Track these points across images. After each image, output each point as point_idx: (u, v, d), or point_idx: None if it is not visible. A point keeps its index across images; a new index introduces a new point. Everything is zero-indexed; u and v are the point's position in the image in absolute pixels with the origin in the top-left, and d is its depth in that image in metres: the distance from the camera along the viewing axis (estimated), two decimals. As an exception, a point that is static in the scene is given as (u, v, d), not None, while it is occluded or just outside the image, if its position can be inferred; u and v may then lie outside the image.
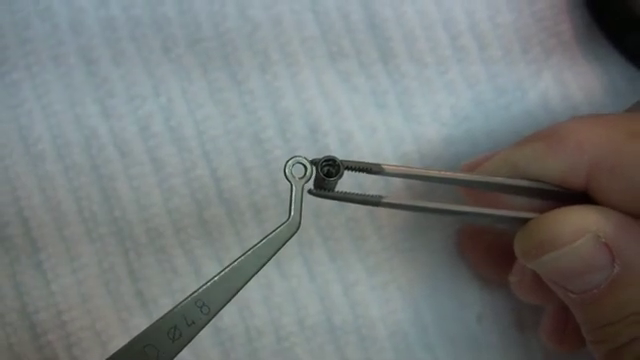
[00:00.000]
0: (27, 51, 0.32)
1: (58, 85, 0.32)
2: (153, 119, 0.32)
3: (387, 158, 0.33)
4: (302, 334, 0.32)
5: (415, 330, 0.33)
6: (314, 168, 0.24)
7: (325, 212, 0.32)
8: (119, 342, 0.23)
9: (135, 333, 0.23)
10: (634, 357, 0.25)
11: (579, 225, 0.26)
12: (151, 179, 0.32)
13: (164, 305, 0.31)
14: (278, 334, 0.32)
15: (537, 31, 0.34)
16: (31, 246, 0.31)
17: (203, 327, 0.23)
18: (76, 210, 0.32)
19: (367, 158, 0.31)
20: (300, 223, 0.24)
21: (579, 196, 0.27)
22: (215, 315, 0.23)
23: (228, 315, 0.32)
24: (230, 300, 0.23)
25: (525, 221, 0.27)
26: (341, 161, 0.25)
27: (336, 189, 0.25)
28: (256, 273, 0.24)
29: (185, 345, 0.23)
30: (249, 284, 0.29)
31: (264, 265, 0.24)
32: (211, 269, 0.31)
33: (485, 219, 0.28)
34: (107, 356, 0.22)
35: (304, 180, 0.24)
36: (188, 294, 0.23)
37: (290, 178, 0.24)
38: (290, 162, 0.24)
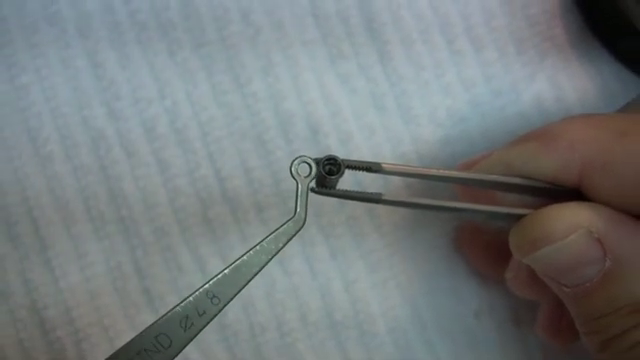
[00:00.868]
0: (35, 54, 0.32)
1: (66, 88, 0.33)
2: (158, 121, 0.33)
3: (386, 158, 0.33)
4: (304, 330, 0.33)
5: (414, 326, 0.34)
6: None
7: (326, 211, 0.33)
8: (126, 338, 0.23)
9: (142, 329, 0.23)
10: (626, 347, 0.26)
11: (572, 221, 0.26)
12: (157, 179, 0.32)
13: (170, 302, 0.31)
14: (281, 330, 0.33)
15: (531, 35, 0.35)
16: (40, 244, 0.32)
17: (214, 317, 0.23)
18: (84, 209, 0.32)
19: (366, 158, 0.31)
20: (305, 220, 0.25)
21: (572, 193, 0.27)
22: (225, 306, 0.24)
23: (232, 311, 0.32)
24: (239, 292, 0.24)
25: (519, 217, 0.27)
26: (342, 160, 0.25)
27: (337, 187, 0.26)
28: (263, 267, 0.24)
29: (196, 334, 0.23)
30: (253, 280, 0.30)
31: (271, 259, 0.24)
32: (215, 266, 0.32)
33: (481, 215, 0.29)
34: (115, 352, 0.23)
35: (309, 179, 0.25)
36: (196, 289, 0.24)
37: (296, 177, 0.25)
38: (296, 161, 0.25)
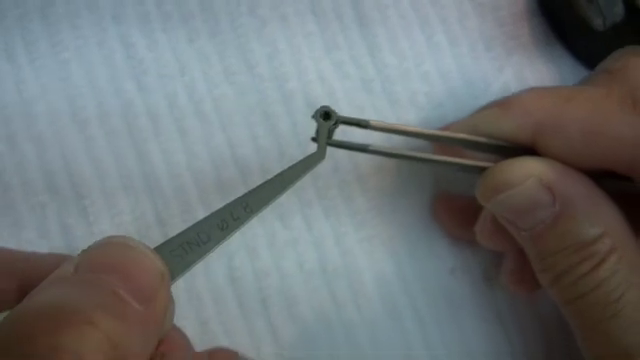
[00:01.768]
0: (77, 35, 0.36)
1: (101, 64, 0.36)
2: (179, 95, 0.36)
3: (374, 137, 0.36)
4: (300, 276, 0.36)
5: (396, 278, 0.36)
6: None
7: (322, 175, 0.36)
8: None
9: None
10: (572, 281, 0.29)
11: (525, 170, 0.29)
12: (177, 144, 0.36)
13: None
14: (280, 274, 0.35)
15: (500, 34, 0.39)
16: (76, 194, 0.35)
17: (245, 222, 0.27)
18: (114, 167, 0.35)
19: (356, 134, 0.34)
20: (325, 154, 0.29)
21: (527, 151, 0.30)
22: (255, 214, 0.27)
23: (239, 257, 0.35)
24: (268, 205, 0.27)
25: (484, 169, 0.31)
26: (337, 116, 0.30)
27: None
28: (288, 188, 0.28)
29: (231, 234, 0.26)
30: (258, 230, 0.34)
31: (296, 182, 0.28)
32: None
33: (452, 167, 0.32)
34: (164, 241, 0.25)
35: (329, 123, 0.30)
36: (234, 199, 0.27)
37: (318, 121, 0.30)
38: (318, 110, 0.30)
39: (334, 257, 0.36)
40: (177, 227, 0.35)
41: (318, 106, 0.34)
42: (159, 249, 0.25)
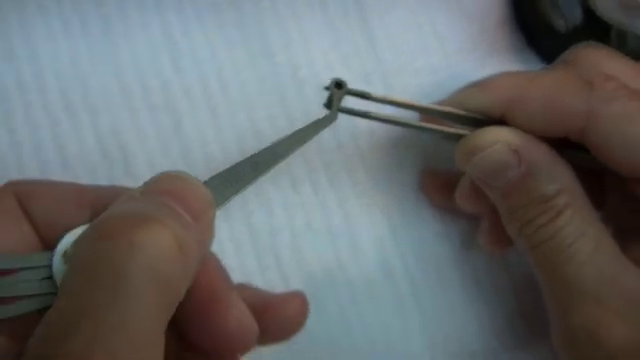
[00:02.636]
0: (124, 19, 0.40)
1: (144, 47, 0.40)
2: (209, 77, 0.40)
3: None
4: (308, 234, 0.39)
5: (390, 238, 0.40)
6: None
7: (327, 150, 0.41)
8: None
9: None
10: (534, 229, 0.32)
11: (496, 136, 0.33)
12: (207, 118, 0.39)
13: None
14: (292, 232, 0.39)
15: (482, 39, 0.43)
16: (124, 158, 0.39)
17: (272, 167, 0.30)
18: (155, 137, 0.39)
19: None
20: (337, 116, 0.33)
21: (499, 122, 0.34)
22: (280, 160, 0.31)
23: (256, 215, 0.39)
24: (291, 153, 0.31)
25: (463, 137, 0.35)
26: (346, 84, 0.35)
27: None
28: (308, 140, 0.32)
29: (261, 174, 0.30)
30: (272, 192, 0.39)
31: (314, 136, 0.32)
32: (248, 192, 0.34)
33: (437, 134, 0.36)
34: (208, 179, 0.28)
35: (341, 91, 0.34)
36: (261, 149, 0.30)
37: (332, 88, 0.34)
38: (333, 80, 0.34)
39: (337, 219, 0.40)
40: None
41: (324, 93, 0.39)
42: (207, 181, 0.29)
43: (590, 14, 0.40)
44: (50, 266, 0.26)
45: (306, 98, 0.41)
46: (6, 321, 0.25)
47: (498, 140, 0.33)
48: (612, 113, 0.32)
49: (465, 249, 0.41)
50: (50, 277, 0.26)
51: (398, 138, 0.41)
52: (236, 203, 0.38)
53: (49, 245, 0.27)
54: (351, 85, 0.36)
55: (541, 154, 0.33)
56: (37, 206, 0.27)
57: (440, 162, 0.41)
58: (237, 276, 0.36)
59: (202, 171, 0.36)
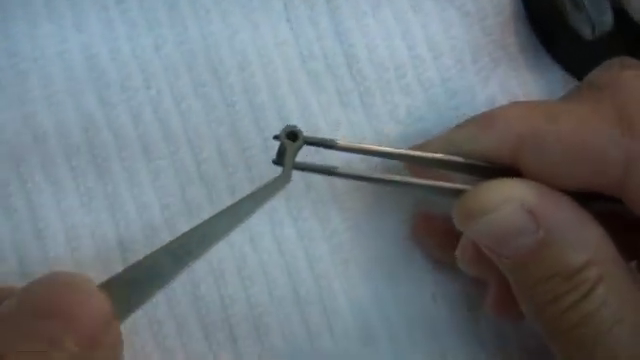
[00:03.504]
0: (35, 46, 0.35)
1: (61, 75, 0.35)
2: (143, 108, 0.35)
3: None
4: (271, 304, 0.34)
5: (374, 305, 0.35)
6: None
7: (294, 195, 0.35)
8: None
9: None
10: (558, 313, 0.28)
11: (506, 194, 0.28)
12: (140, 160, 0.35)
13: None
14: (249, 302, 0.34)
15: (486, 43, 0.38)
16: (32, 219, 0.34)
17: (201, 255, 0.26)
18: (74, 186, 0.34)
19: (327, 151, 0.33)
20: (290, 177, 0.28)
21: (507, 170, 0.30)
22: (212, 245, 0.26)
23: (205, 284, 0.34)
24: (213, 244, 0.27)
25: (461, 192, 0.30)
26: (302, 133, 0.29)
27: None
28: (249, 216, 0.27)
29: (186, 266, 0.26)
30: (225, 254, 0.33)
31: (257, 209, 0.27)
32: None
33: (428, 191, 0.31)
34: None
35: (296, 144, 0.28)
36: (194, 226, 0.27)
37: (284, 141, 0.28)
38: (284, 129, 0.29)
39: (307, 282, 0.35)
40: (140, 252, 0.33)
41: (289, 121, 0.35)
42: (112, 282, 0.25)
43: (623, 20, 0.35)
44: None
45: (267, 129, 0.36)
46: None
47: (508, 198, 0.28)
48: None
49: (468, 312, 0.36)
50: None
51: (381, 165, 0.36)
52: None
53: None
54: (325, 109, 0.34)
55: (564, 214, 0.28)
56: None
57: (437, 203, 0.35)
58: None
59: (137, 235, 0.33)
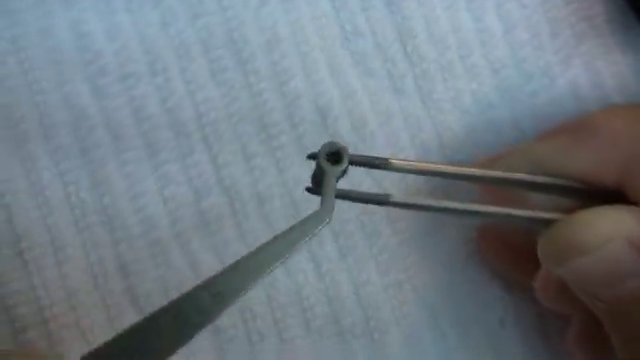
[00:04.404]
0: (13, 22, 0.32)
1: (45, 62, 0.32)
2: (148, 100, 0.32)
3: (404, 147, 0.33)
4: (308, 337, 0.32)
5: (432, 335, 0.33)
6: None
7: (336, 206, 0.31)
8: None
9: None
10: None
11: (610, 228, 0.26)
12: (145, 165, 0.32)
13: (156, 303, 0.30)
14: (281, 337, 0.32)
15: (567, 14, 0.35)
16: (12, 234, 0.31)
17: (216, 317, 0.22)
18: (62, 196, 0.31)
19: (381, 146, 0.32)
20: (332, 213, 0.25)
21: (609, 195, 0.27)
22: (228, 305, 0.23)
23: (228, 316, 0.32)
24: (249, 288, 0.23)
25: (549, 223, 0.27)
26: (348, 152, 0.24)
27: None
28: (284, 261, 0.23)
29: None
30: None
31: (290, 256, 0.24)
32: (209, 264, 0.31)
33: (504, 220, 0.28)
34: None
35: (338, 169, 0.24)
36: (184, 291, 0.23)
37: (324, 165, 0.24)
38: (323, 148, 0.24)
39: (352, 311, 0.33)
40: (146, 276, 0.31)
41: (330, 112, 0.32)
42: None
43: None
44: None
45: (302, 124, 0.33)
46: None
47: (614, 233, 0.26)
48: None
49: (542, 339, 0.34)
50: None
51: (437, 187, 0.34)
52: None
53: None
54: (373, 97, 0.33)
55: None
56: None
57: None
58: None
59: (139, 250, 0.31)
